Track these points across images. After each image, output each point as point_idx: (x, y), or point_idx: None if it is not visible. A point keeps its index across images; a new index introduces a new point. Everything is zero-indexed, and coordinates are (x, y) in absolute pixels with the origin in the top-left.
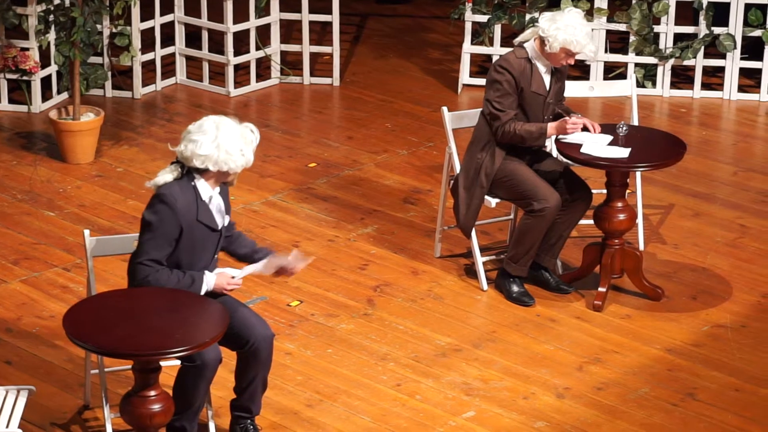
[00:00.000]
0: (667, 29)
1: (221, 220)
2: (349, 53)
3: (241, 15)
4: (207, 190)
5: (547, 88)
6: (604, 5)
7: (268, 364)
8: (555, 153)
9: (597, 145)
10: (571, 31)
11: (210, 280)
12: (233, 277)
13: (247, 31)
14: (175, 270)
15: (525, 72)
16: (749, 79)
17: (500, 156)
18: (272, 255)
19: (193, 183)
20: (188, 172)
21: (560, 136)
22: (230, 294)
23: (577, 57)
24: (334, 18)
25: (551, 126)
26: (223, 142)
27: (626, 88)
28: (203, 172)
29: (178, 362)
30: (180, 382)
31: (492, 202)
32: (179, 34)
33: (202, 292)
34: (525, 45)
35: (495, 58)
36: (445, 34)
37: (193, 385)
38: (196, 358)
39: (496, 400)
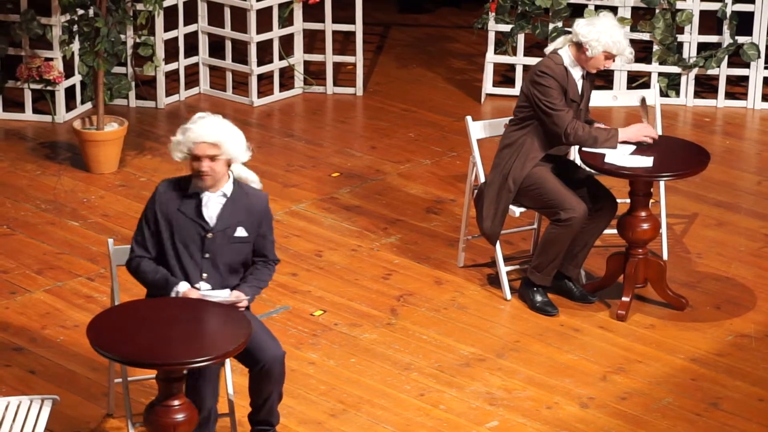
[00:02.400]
0: (691, 38)
1: (214, 222)
2: (372, 63)
3: (264, 25)
4: (195, 185)
5: (580, 95)
6: (628, 14)
7: (282, 380)
8: (578, 162)
9: (621, 154)
10: (610, 33)
11: (180, 290)
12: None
13: (271, 40)
14: (160, 267)
15: (564, 78)
16: None
17: (531, 163)
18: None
19: (191, 178)
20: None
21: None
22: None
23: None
24: (357, 28)
25: (623, 131)
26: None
27: (650, 97)
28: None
29: None
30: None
31: (516, 211)
32: (203, 44)
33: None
34: (559, 52)
35: (518, 68)
36: (468, 44)
37: (194, 389)
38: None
39: (519, 410)
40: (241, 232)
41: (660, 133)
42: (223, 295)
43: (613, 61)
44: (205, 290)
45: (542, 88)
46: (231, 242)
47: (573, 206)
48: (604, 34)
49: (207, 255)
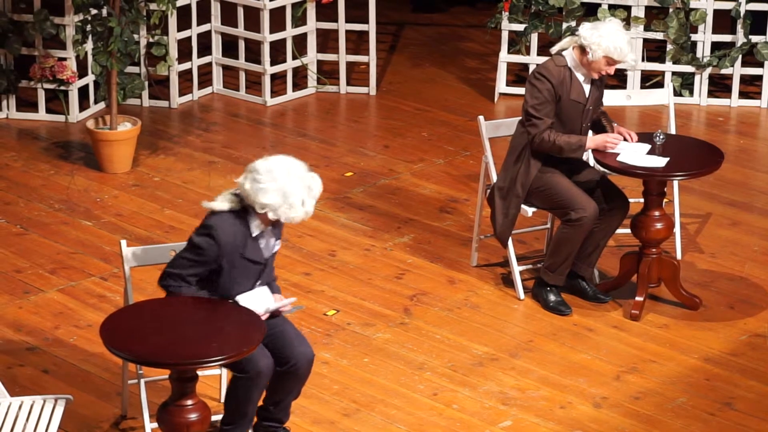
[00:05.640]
0: (705, 38)
1: (268, 253)
2: (385, 62)
3: (277, 24)
4: (259, 227)
5: (587, 96)
6: (641, 14)
7: (305, 379)
8: (592, 162)
9: (634, 154)
10: (613, 38)
11: None
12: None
13: (284, 40)
14: (202, 292)
15: (564, 80)
16: None
17: (535, 166)
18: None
19: (247, 218)
20: (245, 207)
21: None
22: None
23: (619, 66)
24: (371, 27)
25: (591, 139)
26: (290, 193)
27: (663, 96)
28: (260, 214)
29: (217, 371)
30: (233, 393)
31: (528, 211)
32: (216, 43)
33: None
34: (564, 53)
35: (531, 67)
36: (482, 43)
37: (245, 394)
38: (250, 368)
39: (533, 410)
40: (278, 245)
41: (674, 132)
42: (259, 300)
43: (614, 68)
44: (243, 301)
45: (534, 90)
46: (274, 258)
47: (583, 206)
48: (606, 39)
49: (259, 282)
